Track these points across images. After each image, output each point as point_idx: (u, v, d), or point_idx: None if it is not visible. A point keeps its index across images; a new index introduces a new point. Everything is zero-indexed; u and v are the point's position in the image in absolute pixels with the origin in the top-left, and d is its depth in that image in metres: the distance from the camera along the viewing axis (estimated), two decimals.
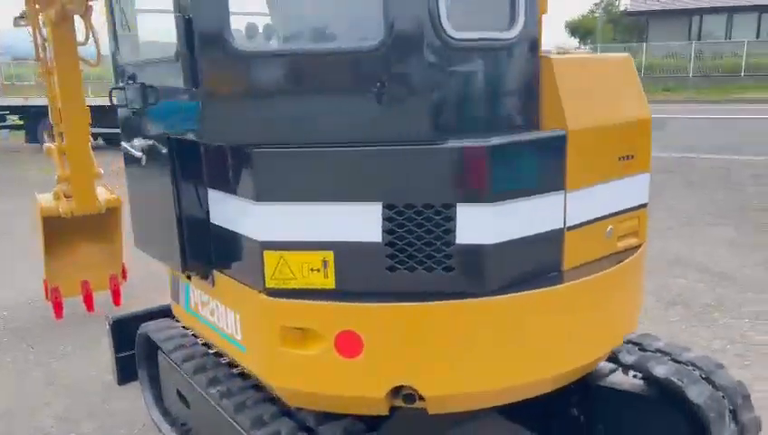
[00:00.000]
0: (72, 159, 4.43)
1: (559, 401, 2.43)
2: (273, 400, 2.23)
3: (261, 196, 1.84)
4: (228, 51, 1.78)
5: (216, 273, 2.17)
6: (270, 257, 1.88)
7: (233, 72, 1.82)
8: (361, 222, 1.81)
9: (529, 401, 2.06)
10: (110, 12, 2.35)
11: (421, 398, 1.90)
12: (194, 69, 1.82)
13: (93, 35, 4.30)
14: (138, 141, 2.22)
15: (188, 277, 2.41)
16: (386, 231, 1.80)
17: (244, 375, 2.40)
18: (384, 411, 1.97)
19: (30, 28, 4.51)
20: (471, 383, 1.90)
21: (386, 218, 1.80)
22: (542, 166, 1.87)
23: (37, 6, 4.19)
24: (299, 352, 1.91)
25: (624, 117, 2.11)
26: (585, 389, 2.57)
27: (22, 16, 4.47)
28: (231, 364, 2.47)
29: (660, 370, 2.42)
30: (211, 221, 2.11)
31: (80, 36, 4.20)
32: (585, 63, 2.06)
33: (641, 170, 2.21)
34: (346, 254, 1.84)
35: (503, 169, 1.77)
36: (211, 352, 2.64)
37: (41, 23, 4.38)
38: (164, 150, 2.07)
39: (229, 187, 1.95)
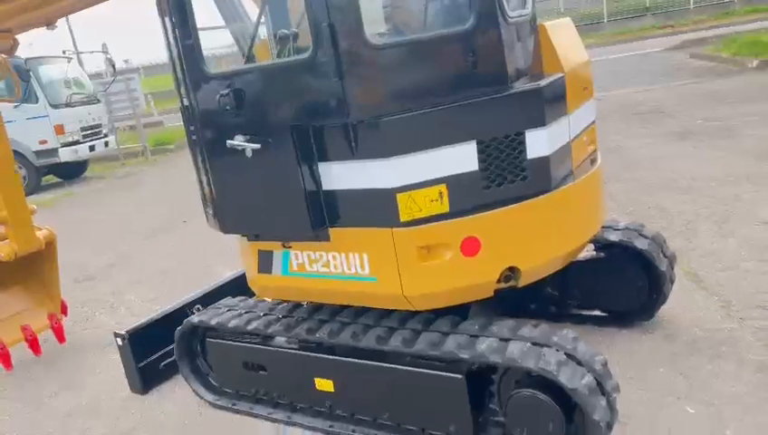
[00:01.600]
0: (6, 199, 4.33)
1: (536, 285, 3.35)
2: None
3: (392, 152, 2.47)
4: (365, 45, 2.37)
5: (330, 229, 2.72)
6: (402, 198, 2.52)
7: (368, 61, 2.42)
8: (462, 158, 2.53)
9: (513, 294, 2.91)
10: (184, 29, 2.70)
11: (516, 275, 2.69)
12: (339, 64, 2.38)
13: (9, 73, 4.25)
14: (240, 137, 2.66)
15: (286, 246, 2.90)
16: (480, 161, 2.55)
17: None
18: (490, 293, 2.73)
19: None
20: (547, 254, 2.74)
21: (479, 152, 2.54)
22: (559, 98, 2.75)
23: None
24: (434, 263, 2.59)
25: (580, 60, 3.05)
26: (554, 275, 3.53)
27: None
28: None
29: (613, 236, 3.50)
30: (325, 189, 2.66)
31: None
32: (558, 26, 2.96)
33: (591, 96, 3.20)
34: (454, 184, 2.55)
35: (549, 100, 2.62)
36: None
37: None
38: (288, 138, 2.57)
39: (356, 155, 2.53)
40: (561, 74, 2.78)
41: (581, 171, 2.95)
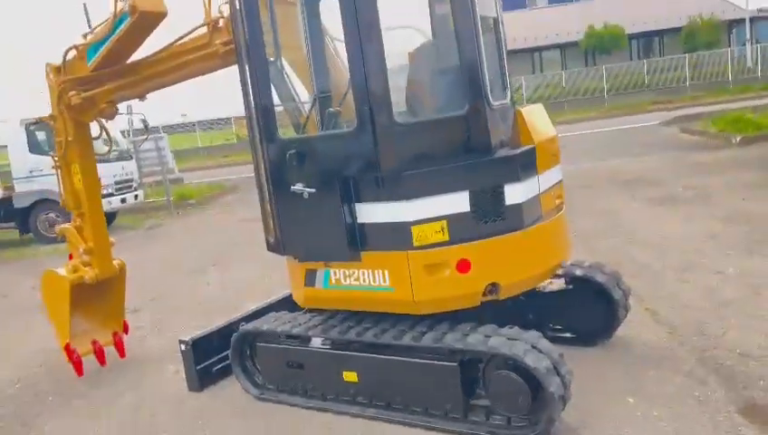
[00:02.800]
0: (95, 232, 5.35)
1: (517, 310, 4.26)
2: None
3: (409, 197, 3.50)
4: (393, 123, 3.45)
5: (362, 253, 3.72)
6: (415, 229, 3.53)
7: (395, 134, 3.48)
8: (458, 202, 3.55)
9: (500, 312, 3.85)
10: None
11: (497, 289, 3.66)
12: (375, 135, 3.44)
13: (106, 132, 5.39)
14: (300, 184, 3.70)
15: (327, 266, 3.89)
16: (471, 205, 3.56)
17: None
18: (478, 303, 3.68)
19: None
20: (521, 274, 3.72)
21: (470, 198, 3.56)
22: (530, 162, 3.78)
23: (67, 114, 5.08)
24: (436, 277, 3.57)
25: (548, 136, 4.09)
26: (535, 298, 4.49)
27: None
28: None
29: (579, 271, 4.47)
30: (359, 223, 3.68)
31: None
32: (531, 110, 4.03)
33: (558, 162, 4.23)
34: (453, 220, 3.56)
35: (522, 164, 3.65)
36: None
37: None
38: (334, 186, 3.61)
39: (383, 198, 3.56)
40: (532, 146, 3.82)
41: (549, 215, 3.95)
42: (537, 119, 4.00)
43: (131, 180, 15.33)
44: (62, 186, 5.45)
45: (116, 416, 4.67)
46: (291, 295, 5.28)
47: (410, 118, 3.86)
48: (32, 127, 12.23)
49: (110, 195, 14.23)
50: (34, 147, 13.76)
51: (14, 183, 13.87)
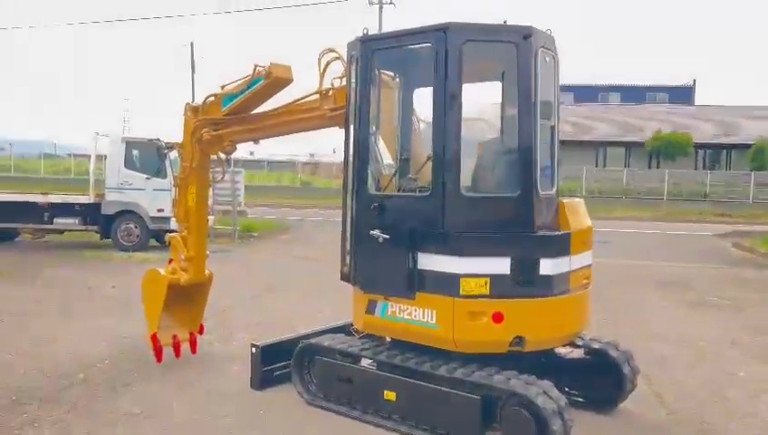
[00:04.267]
0: (197, 244, 6.43)
1: (537, 369, 4.94)
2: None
3: (463, 254, 4.41)
4: (459, 195, 4.41)
5: (417, 293, 4.62)
6: (464, 281, 4.42)
7: (460, 203, 4.44)
8: (500, 264, 4.43)
9: (522, 369, 4.58)
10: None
11: (522, 342, 4.47)
12: (444, 201, 4.40)
13: (221, 163, 6.55)
14: (377, 231, 4.66)
15: (386, 299, 4.80)
16: (511, 269, 4.43)
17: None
18: (504, 350, 4.50)
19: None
20: (544, 333, 4.54)
21: (511, 264, 4.43)
22: (565, 244, 4.64)
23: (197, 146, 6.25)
24: (474, 322, 4.43)
25: (583, 225, 4.95)
26: (555, 362, 5.23)
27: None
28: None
29: (596, 345, 5.23)
30: (419, 268, 4.59)
31: None
32: (572, 202, 4.92)
33: (589, 249, 5.07)
34: (495, 278, 4.43)
35: (557, 244, 4.53)
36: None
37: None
38: (405, 235, 4.56)
39: (442, 251, 4.48)
40: (568, 232, 4.69)
41: (575, 290, 4.78)
42: (576, 210, 4.88)
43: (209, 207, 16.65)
44: (177, 201, 6.58)
45: (190, 395, 5.59)
46: (343, 326, 6.21)
47: (473, 193, 4.79)
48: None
49: None
50: (129, 163, 15.32)
51: (106, 192, 15.38)
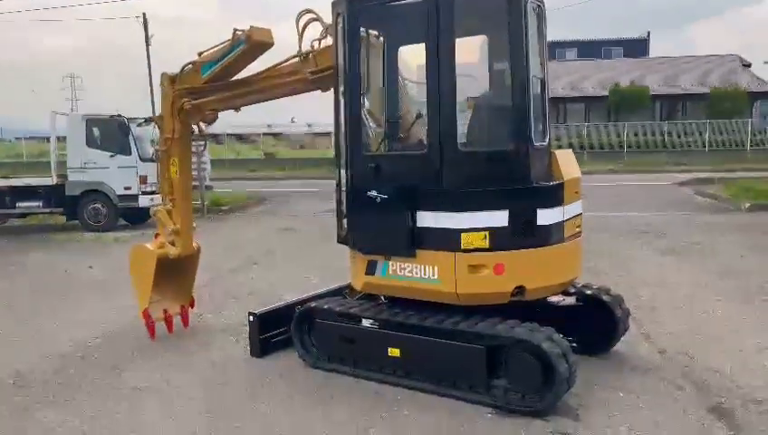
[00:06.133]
0: (183, 217, 6.34)
1: (532, 318, 5.03)
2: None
3: (462, 209, 4.47)
4: (457, 150, 4.44)
5: (418, 250, 4.67)
6: (464, 236, 4.48)
7: (457, 159, 4.46)
8: (499, 218, 4.50)
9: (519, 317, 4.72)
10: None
11: (523, 292, 4.59)
12: (441, 158, 4.42)
13: (202, 134, 6.42)
14: (374, 191, 4.68)
15: (387, 259, 4.84)
16: (509, 221, 4.51)
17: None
18: (506, 301, 4.61)
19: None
20: (543, 281, 4.66)
21: (509, 216, 4.51)
22: (559, 194, 4.74)
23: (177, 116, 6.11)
24: (477, 275, 4.52)
25: (574, 175, 5.05)
26: (549, 310, 5.35)
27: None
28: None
29: (589, 291, 5.39)
30: (418, 226, 4.64)
31: None
32: (563, 153, 5.00)
33: (579, 198, 5.18)
34: (493, 232, 4.51)
35: (552, 194, 4.62)
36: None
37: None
38: (402, 194, 4.58)
39: (441, 208, 4.52)
40: (561, 181, 4.78)
41: (569, 239, 4.89)
42: (567, 161, 4.97)
43: None
44: (160, 174, 6.46)
45: (193, 368, 5.59)
46: (337, 289, 6.25)
47: (468, 147, 4.82)
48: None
49: (153, 193, 15.18)
50: (91, 141, 14.89)
51: (68, 172, 14.96)
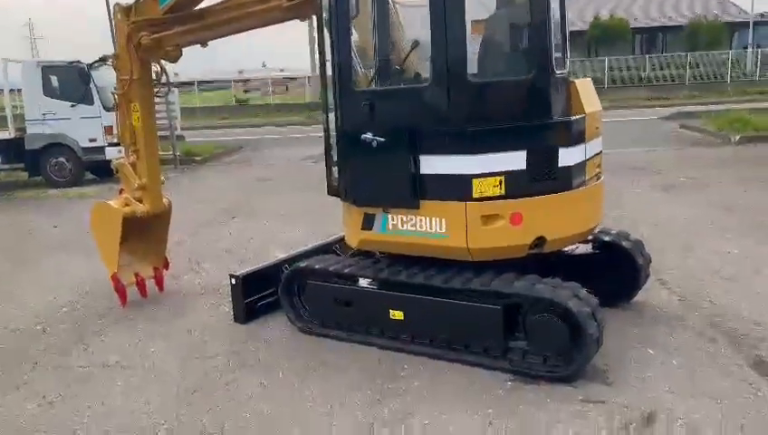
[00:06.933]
0: (149, 170, 5.64)
1: (546, 270, 4.52)
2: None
3: (473, 151, 3.85)
4: (467, 81, 3.78)
5: (422, 201, 4.07)
6: (476, 182, 3.89)
7: (467, 91, 3.82)
8: (516, 160, 3.91)
9: (531, 271, 4.16)
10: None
11: (542, 243, 4.04)
12: (449, 91, 3.77)
13: (165, 74, 5.65)
14: (370, 134, 4.03)
15: (385, 211, 4.25)
16: (527, 163, 3.92)
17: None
18: (524, 254, 4.07)
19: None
20: (564, 231, 4.11)
21: (527, 157, 3.92)
22: (581, 130, 4.14)
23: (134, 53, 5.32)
24: (491, 227, 3.95)
25: (596, 108, 4.46)
26: (563, 260, 4.83)
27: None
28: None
29: (607, 238, 4.86)
30: (421, 173, 4.02)
31: None
32: (583, 82, 4.38)
33: (600, 134, 4.60)
34: (509, 176, 3.92)
35: (575, 129, 4.02)
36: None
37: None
38: (402, 137, 3.95)
39: (449, 151, 3.90)
40: (583, 115, 4.18)
41: (591, 182, 4.33)
42: (587, 91, 4.36)
43: None
44: (119, 122, 5.72)
45: (169, 338, 5.02)
46: (326, 245, 5.67)
47: (481, 78, 4.18)
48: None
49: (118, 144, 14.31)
50: (49, 90, 13.86)
51: (27, 125, 13.97)
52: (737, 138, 14.87)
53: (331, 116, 4.38)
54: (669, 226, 7.46)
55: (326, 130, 4.47)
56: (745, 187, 9.54)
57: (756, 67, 32.02)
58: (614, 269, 4.88)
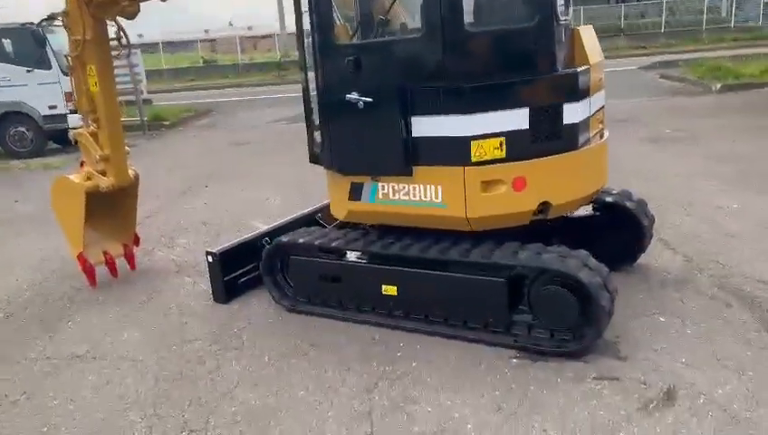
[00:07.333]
0: (111, 140, 5.15)
1: (544, 234, 4.15)
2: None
3: (471, 110, 3.47)
4: (463, 32, 3.37)
5: (415, 167, 3.69)
6: (474, 145, 3.52)
7: (464, 43, 3.41)
8: (518, 118, 3.54)
9: (527, 235, 3.85)
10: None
11: (547, 209, 3.71)
12: (444, 43, 3.36)
13: (124, 33, 5.11)
14: (355, 94, 3.62)
15: (374, 179, 3.87)
16: (530, 122, 3.56)
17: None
18: (527, 221, 3.74)
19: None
20: (570, 194, 3.78)
21: (530, 115, 3.55)
22: (586, 82, 3.78)
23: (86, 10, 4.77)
24: (492, 194, 3.60)
25: (599, 58, 4.08)
26: (562, 223, 4.51)
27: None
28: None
29: (609, 198, 4.55)
30: (414, 136, 3.64)
31: None
32: (585, 30, 3.99)
33: (603, 87, 4.24)
34: (510, 137, 3.55)
35: (581, 82, 3.65)
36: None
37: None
38: (392, 96, 3.54)
39: (444, 111, 3.51)
40: (587, 66, 3.81)
41: (595, 140, 3.99)
42: (591, 39, 3.98)
43: None
44: (75, 88, 5.20)
45: (143, 322, 4.64)
46: (308, 215, 5.30)
47: (479, 27, 3.76)
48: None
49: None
50: (2, 55, 13.06)
51: None
52: (718, 86, 14.65)
53: (311, 75, 3.95)
54: (663, 180, 7.20)
55: (305, 91, 4.05)
56: (734, 137, 9.31)
57: (731, 14, 31.72)
58: (617, 231, 4.60)
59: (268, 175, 9.30)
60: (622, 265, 4.69)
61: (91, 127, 5.21)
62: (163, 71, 33.10)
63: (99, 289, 5.33)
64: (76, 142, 5.37)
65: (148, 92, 24.57)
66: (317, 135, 4.09)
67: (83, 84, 5.08)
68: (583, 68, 3.73)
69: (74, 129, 5.46)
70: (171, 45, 42.99)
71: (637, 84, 16.90)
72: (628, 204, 4.53)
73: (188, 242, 6.48)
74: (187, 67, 35.71)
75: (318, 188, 4.83)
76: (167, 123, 16.74)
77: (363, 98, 3.62)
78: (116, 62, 5.26)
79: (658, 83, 17.04)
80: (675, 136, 9.74)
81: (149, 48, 38.92)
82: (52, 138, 13.91)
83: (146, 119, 16.15)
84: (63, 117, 13.25)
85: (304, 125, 4.32)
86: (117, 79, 16.03)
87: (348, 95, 3.64)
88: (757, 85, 14.41)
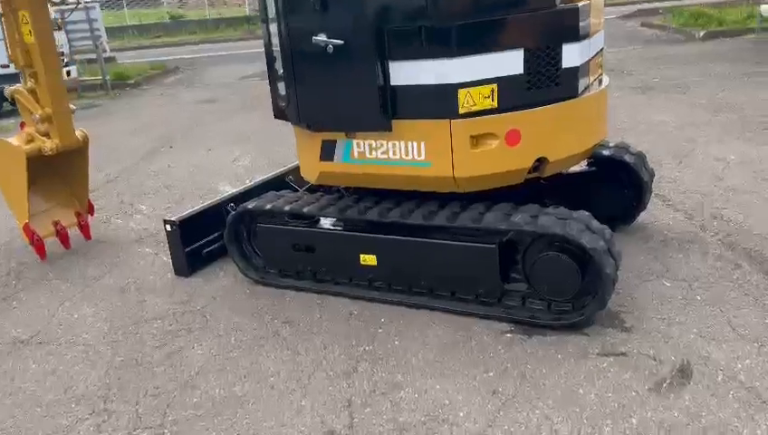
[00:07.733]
0: (52, 96, 4.60)
1: (536, 192, 3.78)
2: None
3: (458, 54, 3.00)
4: None
5: (394, 121, 3.24)
6: (462, 93, 3.07)
7: None
8: (511, 62, 3.08)
9: (517, 194, 3.47)
10: None
11: (543, 166, 3.29)
12: None
13: None
14: (323, 36, 3.12)
15: (349, 136, 3.41)
16: (525, 66, 3.11)
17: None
18: (521, 180, 3.32)
19: None
20: (568, 149, 3.36)
21: (525, 58, 3.10)
22: (586, 21, 3.31)
23: None
24: (482, 150, 3.17)
25: None
26: (550, 183, 4.10)
27: None
28: None
29: (606, 152, 4.15)
30: (392, 85, 3.17)
31: None
32: None
33: (602, 27, 3.79)
34: (503, 84, 3.10)
35: (580, 23, 3.19)
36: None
37: None
38: (367, 38, 3.05)
39: (427, 55, 3.04)
40: (588, 2, 3.34)
41: (594, 87, 3.56)
42: None
43: (62, 54, 13.81)
44: (8, 38, 4.61)
45: (97, 301, 4.19)
46: (275, 178, 4.85)
47: None
48: None
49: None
50: None
51: None
52: (702, 33, 14.23)
53: (273, 27, 3.42)
54: (657, 132, 6.82)
55: (267, 34, 3.52)
56: (722, 85, 8.94)
57: None
58: (615, 188, 4.22)
59: (237, 134, 8.75)
60: (620, 223, 4.32)
61: (29, 83, 4.64)
62: (127, 27, 31.66)
63: (49, 263, 4.86)
64: (12, 101, 4.81)
65: (112, 50, 23.64)
66: (281, 87, 3.58)
67: (17, 33, 4.49)
68: (583, 4, 3.26)
69: (11, 87, 4.88)
70: (135, 0, 41.22)
71: (618, 34, 16.37)
72: (627, 157, 4.13)
73: (150, 208, 5.99)
74: (154, 23, 34.26)
75: (289, 146, 4.35)
76: (131, 82, 15.91)
77: (333, 40, 3.13)
78: (74, 18, 4.67)
79: (639, 32, 16.55)
80: (663, 85, 9.35)
81: (112, 3, 37.27)
82: (8, 99, 13.03)
83: (108, 77, 15.30)
84: (17, 76, 12.44)
85: None
86: (75, 35, 15.07)
87: (315, 38, 3.14)
88: (741, 32, 14.03)
